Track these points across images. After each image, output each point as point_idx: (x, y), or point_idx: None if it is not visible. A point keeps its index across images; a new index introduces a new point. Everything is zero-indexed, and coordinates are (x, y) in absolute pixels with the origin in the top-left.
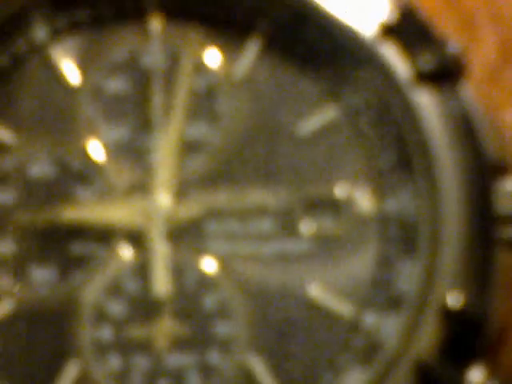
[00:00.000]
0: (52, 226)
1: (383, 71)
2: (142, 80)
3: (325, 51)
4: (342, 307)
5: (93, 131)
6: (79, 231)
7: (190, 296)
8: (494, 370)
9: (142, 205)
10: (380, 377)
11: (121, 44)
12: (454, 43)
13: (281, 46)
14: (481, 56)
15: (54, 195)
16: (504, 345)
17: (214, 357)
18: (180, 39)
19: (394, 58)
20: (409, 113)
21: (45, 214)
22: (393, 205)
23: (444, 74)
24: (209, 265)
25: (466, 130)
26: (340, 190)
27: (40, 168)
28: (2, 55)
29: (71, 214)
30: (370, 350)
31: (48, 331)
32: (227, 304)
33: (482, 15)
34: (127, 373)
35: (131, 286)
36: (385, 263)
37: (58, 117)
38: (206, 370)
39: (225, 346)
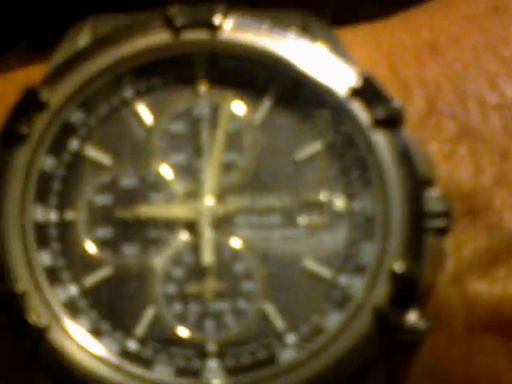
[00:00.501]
0: (136, 219)
1: (352, 119)
2: (194, 124)
3: (314, 105)
4: (325, 272)
5: (162, 157)
6: (154, 222)
7: (226, 264)
8: (423, 314)
9: (195, 205)
10: (350, 318)
11: (180, 100)
12: (397, 100)
13: (286, 101)
14: (413, 109)
15: (137, 198)
16: (429, 298)
17: (242, 304)
18: (219, 97)
19: (359, 110)
20: (369, 147)
21: (131, 210)
22: (358, 205)
23: (392, 121)
24: (238, 244)
25: (406, 156)
26: (323, 196)
27: (128, 181)
28: (104, 107)
29: (148, 211)
30: (343, 301)
31: (134, 287)
32: (250, 269)
33: (413, 81)
34: (185, 315)
35: (188, 257)
36: (353, 243)
37: (140, 147)
38: (237, 313)
39: (249, 297)
